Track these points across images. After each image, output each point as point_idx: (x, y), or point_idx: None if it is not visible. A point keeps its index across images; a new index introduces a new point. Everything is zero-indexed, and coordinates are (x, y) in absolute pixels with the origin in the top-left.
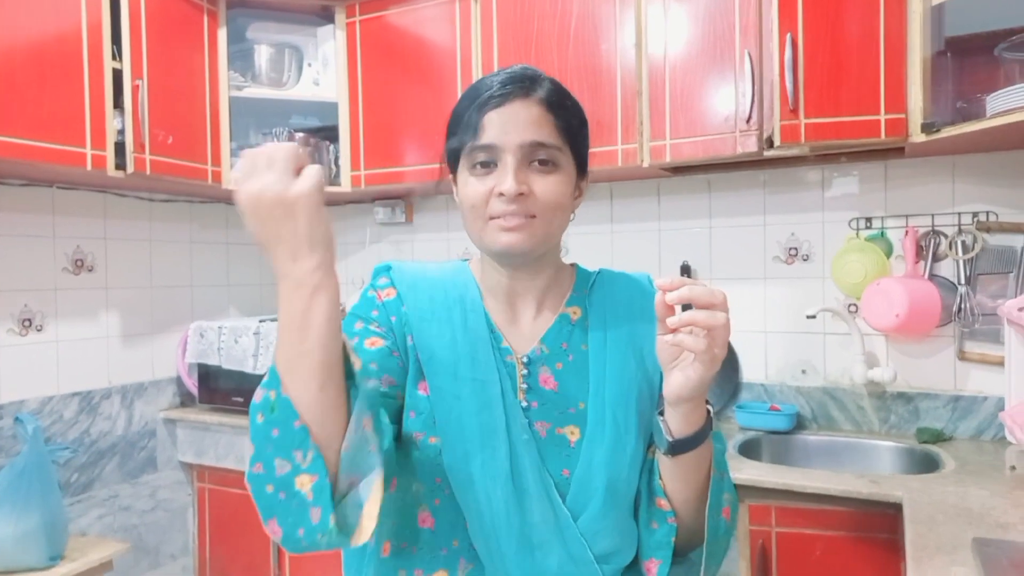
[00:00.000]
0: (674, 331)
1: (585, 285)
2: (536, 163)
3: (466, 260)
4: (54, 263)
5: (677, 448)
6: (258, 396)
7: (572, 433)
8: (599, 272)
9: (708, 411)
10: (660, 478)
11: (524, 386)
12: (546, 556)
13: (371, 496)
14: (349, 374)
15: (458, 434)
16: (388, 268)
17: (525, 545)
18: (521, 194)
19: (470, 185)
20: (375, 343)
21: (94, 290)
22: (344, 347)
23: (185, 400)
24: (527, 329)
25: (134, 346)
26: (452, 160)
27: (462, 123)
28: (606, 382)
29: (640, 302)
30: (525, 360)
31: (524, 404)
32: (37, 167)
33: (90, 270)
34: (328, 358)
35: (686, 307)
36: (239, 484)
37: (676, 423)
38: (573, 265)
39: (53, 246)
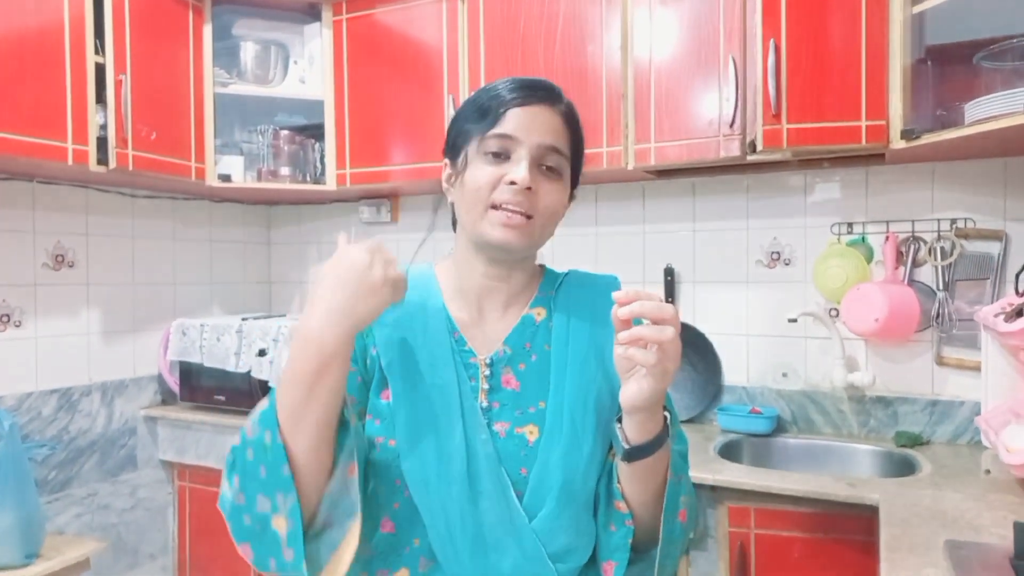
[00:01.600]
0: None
1: (552, 286)
2: (545, 167)
3: (431, 263)
4: (34, 258)
5: (633, 454)
6: (252, 430)
7: (531, 432)
8: (567, 273)
9: (665, 418)
10: (618, 482)
11: (486, 387)
12: (501, 557)
13: (345, 542)
14: (342, 422)
15: (416, 438)
16: None
17: (480, 546)
18: (530, 188)
19: (479, 169)
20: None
21: (75, 286)
22: (344, 401)
23: (166, 398)
24: (491, 330)
25: (115, 343)
26: (458, 145)
27: (482, 111)
28: (566, 383)
29: (604, 304)
30: (488, 362)
31: (485, 404)
32: (17, 161)
33: (71, 266)
34: (328, 418)
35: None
36: (220, 483)
37: (632, 430)
38: (541, 266)
39: (33, 241)
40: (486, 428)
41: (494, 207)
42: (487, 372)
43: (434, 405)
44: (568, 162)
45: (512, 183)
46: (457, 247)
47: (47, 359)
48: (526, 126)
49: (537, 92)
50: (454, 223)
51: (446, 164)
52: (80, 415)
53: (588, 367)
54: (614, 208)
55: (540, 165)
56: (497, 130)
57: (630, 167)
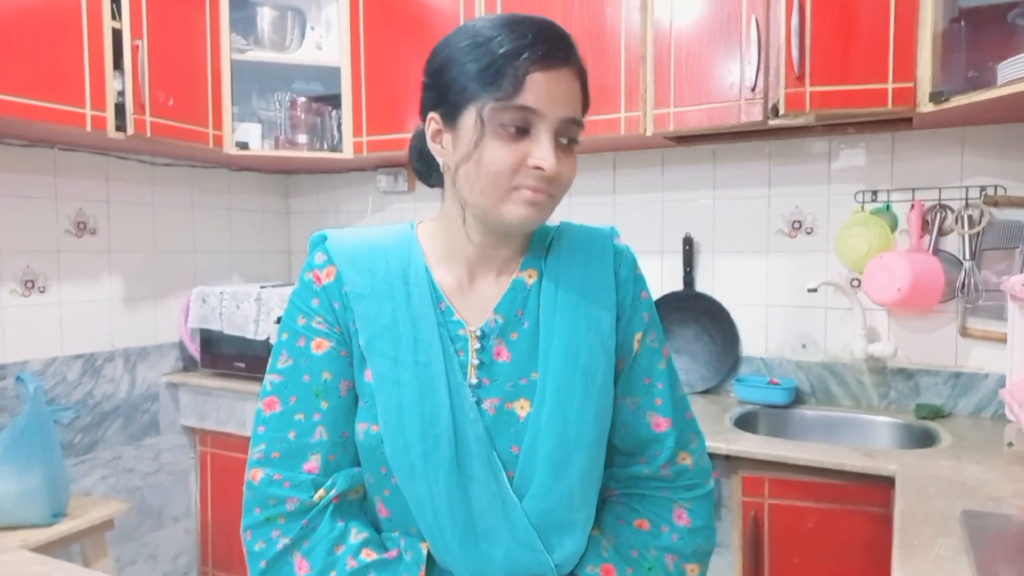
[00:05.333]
0: None
1: (543, 243)
2: (563, 140)
3: (412, 223)
4: (56, 225)
5: None
6: None
7: (522, 407)
8: (558, 227)
9: None
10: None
11: (476, 362)
12: (492, 546)
13: None
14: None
15: (398, 423)
16: (324, 239)
17: (470, 536)
18: (555, 170)
19: (497, 149)
20: (321, 345)
21: (97, 253)
22: None
23: (188, 365)
24: (481, 297)
25: (137, 310)
26: (458, 104)
27: (495, 71)
28: (552, 349)
29: (598, 259)
30: (479, 334)
31: (474, 382)
32: (36, 127)
33: (92, 233)
34: None
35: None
36: (240, 448)
37: None
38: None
39: (55, 208)
40: (475, 407)
41: (516, 188)
42: (477, 346)
43: (418, 385)
44: (583, 128)
45: (538, 167)
46: (449, 211)
47: (71, 325)
48: (549, 97)
49: (559, 52)
50: (439, 181)
51: (433, 119)
52: (104, 380)
53: (577, 330)
54: (632, 175)
55: (560, 138)
56: (518, 101)
57: (649, 133)
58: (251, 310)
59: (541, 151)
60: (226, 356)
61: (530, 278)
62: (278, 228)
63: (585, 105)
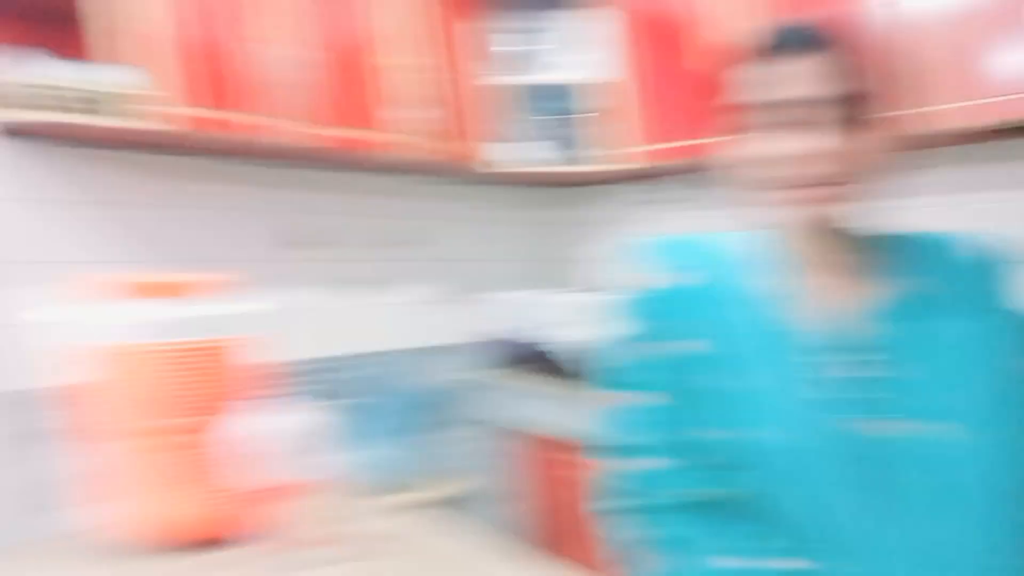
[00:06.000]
0: None
1: (900, 253)
2: (828, 122)
3: (750, 232)
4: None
5: None
6: None
7: (908, 428)
8: (914, 236)
9: None
10: None
11: (840, 375)
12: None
13: None
14: None
15: (757, 430)
16: (663, 244)
17: (866, 558)
18: (810, 156)
19: (752, 149)
20: (664, 347)
21: (421, 262)
22: None
23: (489, 364)
24: (837, 308)
25: (447, 312)
26: (735, 119)
27: (744, 77)
28: (943, 370)
29: (967, 271)
30: (833, 344)
31: (836, 396)
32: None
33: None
34: None
35: None
36: (548, 447)
37: None
38: (880, 231)
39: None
40: (846, 423)
41: (778, 187)
42: (827, 357)
43: (775, 393)
44: (855, 105)
45: (785, 158)
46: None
47: (398, 324)
48: (792, 84)
49: (794, 41)
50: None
51: (732, 138)
52: (419, 374)
53: (967, 349)
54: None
55: (822, 121)
56: (761, 97)
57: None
58: (539, 316)
59: (787, 138)
60: (517, 358)
61: (892, 290)
62: (558, 239)
63: (856, 82)
